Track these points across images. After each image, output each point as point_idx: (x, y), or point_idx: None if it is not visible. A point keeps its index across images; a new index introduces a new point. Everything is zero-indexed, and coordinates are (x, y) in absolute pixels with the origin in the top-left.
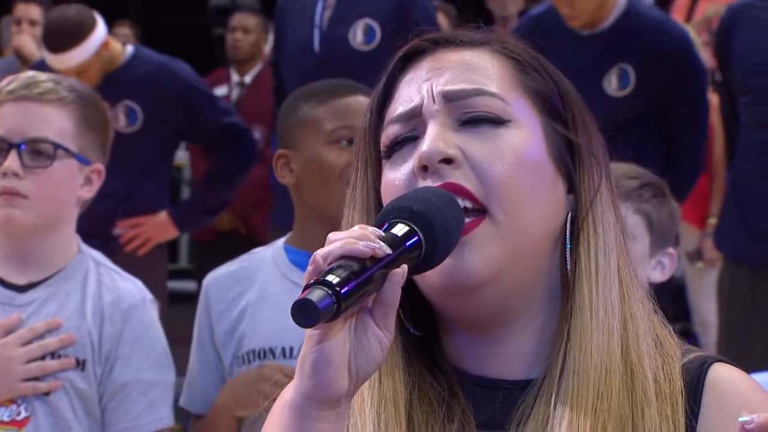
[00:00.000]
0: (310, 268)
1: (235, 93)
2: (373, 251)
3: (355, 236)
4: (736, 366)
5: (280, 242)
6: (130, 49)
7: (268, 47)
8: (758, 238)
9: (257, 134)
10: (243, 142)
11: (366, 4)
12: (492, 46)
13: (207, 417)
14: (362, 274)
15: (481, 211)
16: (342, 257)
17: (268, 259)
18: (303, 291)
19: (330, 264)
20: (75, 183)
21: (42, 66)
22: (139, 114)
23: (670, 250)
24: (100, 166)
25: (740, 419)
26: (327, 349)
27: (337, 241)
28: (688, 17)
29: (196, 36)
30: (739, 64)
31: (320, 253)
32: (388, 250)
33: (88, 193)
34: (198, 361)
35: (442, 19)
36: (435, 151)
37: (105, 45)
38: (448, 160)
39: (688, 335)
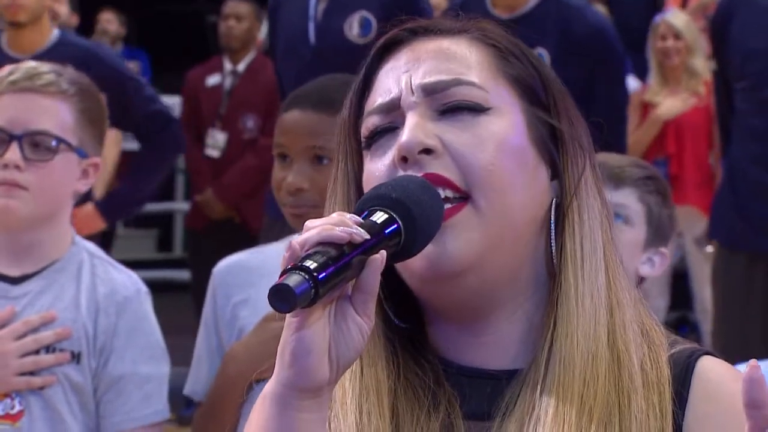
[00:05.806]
0: (286, 254)
1: (228, 81)
2: (351, 236)
3: (333, 222)
4: (723, 360)
5: (290, 239)
6: (56, 32)
7: (261, 35)
8: (753, 225)
9: (250, 122)
10: (170, 130)
11: None
12: (471, 33)
13: (211, 398)
14: (340, 259)
15: (462, 198)
16: (319, 243)
17: (277, 255)
18: (280, 277)
19: (307, 250)
20: (73, 176)
21: None
22: None
23: (663, 249)
24: (97, 160)
25: None
26: (306, 336)
27: (315, 228)
28: (684, 3)
29: (188, 24)
30: (736, 50)
31: (298, 239)
32: (366, 236)
33: (84, 186)
34: (205, 348)
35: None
36: (414, 142)
37: None
38: (427, 151)
39: (688, 323)
